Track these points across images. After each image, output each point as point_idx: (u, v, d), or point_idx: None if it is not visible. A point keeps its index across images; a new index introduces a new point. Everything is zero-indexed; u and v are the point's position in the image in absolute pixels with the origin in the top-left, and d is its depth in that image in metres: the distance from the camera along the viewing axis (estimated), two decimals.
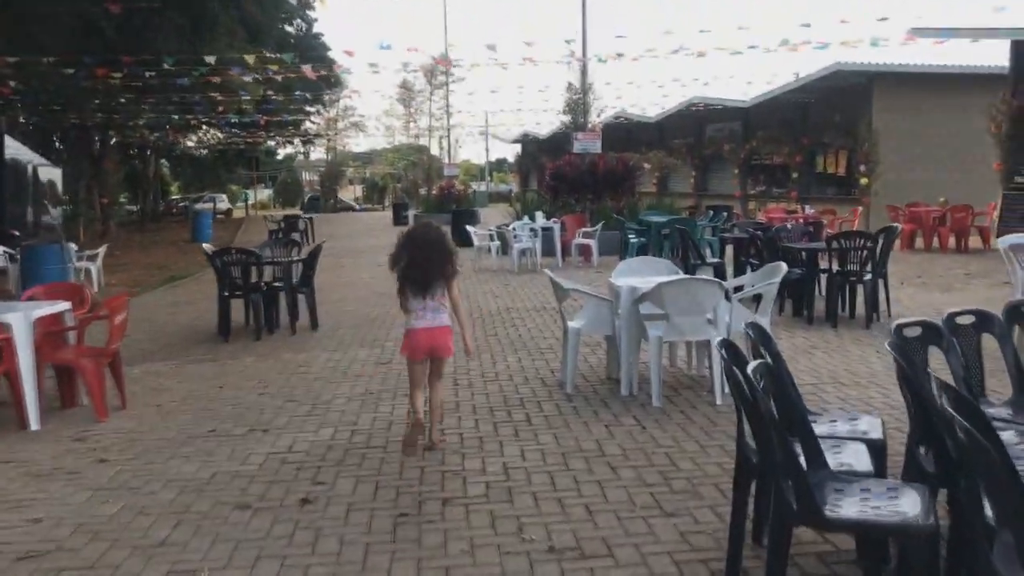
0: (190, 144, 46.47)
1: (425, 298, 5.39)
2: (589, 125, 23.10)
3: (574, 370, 7.18)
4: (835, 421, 4.18)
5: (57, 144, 33.48)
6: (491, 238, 17.70)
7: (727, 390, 6.72)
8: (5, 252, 15.31)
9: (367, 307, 12.34)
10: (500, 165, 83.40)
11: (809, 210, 19.50)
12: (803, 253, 10.48)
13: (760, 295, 7.38)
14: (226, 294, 10.20)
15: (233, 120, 30.25)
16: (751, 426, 3.42)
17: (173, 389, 7.71)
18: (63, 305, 6.95)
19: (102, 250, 16.71)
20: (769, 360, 3.75)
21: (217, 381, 7.95)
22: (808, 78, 24.81)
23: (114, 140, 31.64)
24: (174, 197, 58.81)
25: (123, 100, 22.10)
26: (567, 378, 7.11)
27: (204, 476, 5.31)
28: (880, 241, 10.11)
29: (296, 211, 44.01)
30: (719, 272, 12.14)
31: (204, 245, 11.04)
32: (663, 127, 34.16)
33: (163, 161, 51.17)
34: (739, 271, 11.75)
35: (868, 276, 9.85)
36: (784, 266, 7.31)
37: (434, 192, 36.71)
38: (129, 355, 9.42)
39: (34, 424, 6.44)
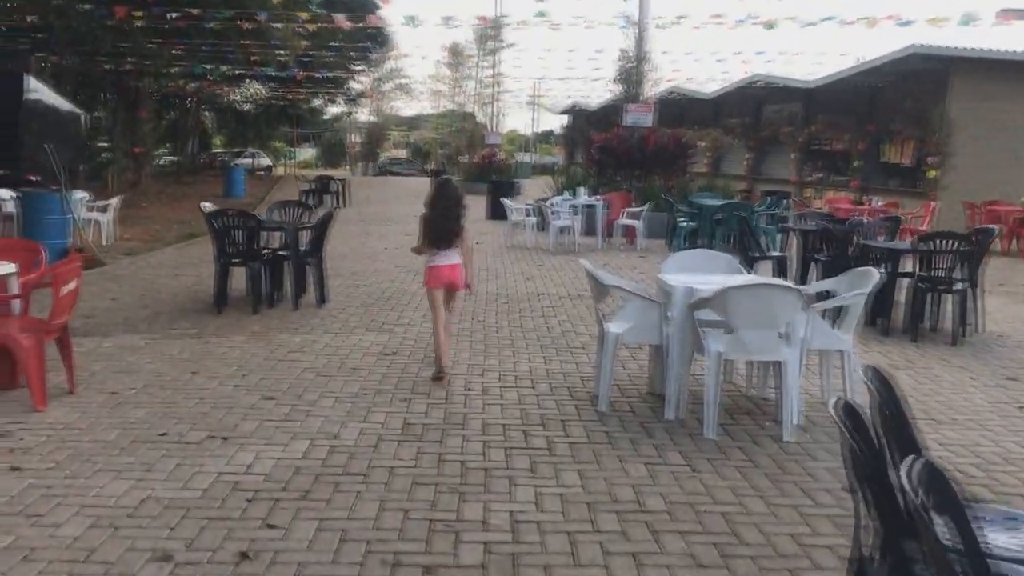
0: (234, 98, 45.40)
1: (441, 249, 6.59)
2: (642, 97, 21.58)
3: (609, 383, 5.93)
4: (982, 519, 2.89)
5: (103, 95, 32.69)
6: (528, 213, 16.37)
7: (796, 421, 5.46)
8: (15, 197, 14.45)
9: (384, 282, 11.15)
10: (547, 137, 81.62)
11: (878, 202, 17.85)
12: (882, 253, 9.11)
13: (837, 304, 6.11)
14: (223, 260, 9.07)
15: (270, 73, 29.06)
16: (885, 546, 2.17)
17: (139, 371, 6.59)
18: (6, 268, 5.85)
19: (115, 201, 15.71)
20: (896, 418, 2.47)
21: (193, 364, 6.81)
22: (879, 60, 22.96)
23: (150, 89, 30.65)
24: (216, 150, 57.96)
25: (151, 45, 21.00)
26: (601, 393, 5.87)
27: (129, 503, 4.17)
28: (974, 244, 8.74)
29: (330, 172, 42.79)
30: (781, 267, 10.80)
31: (203, 204, 9.89)
32: (719, 105, 32.37)
33: (207, 113, 50.29)
34: (804, 269, 10.37)
35: (960, 285, 8.48)
36: (875, 273, 5.98)
37: (475, 160, 35.51)
38: (108, 322, 8.39)
39: None
